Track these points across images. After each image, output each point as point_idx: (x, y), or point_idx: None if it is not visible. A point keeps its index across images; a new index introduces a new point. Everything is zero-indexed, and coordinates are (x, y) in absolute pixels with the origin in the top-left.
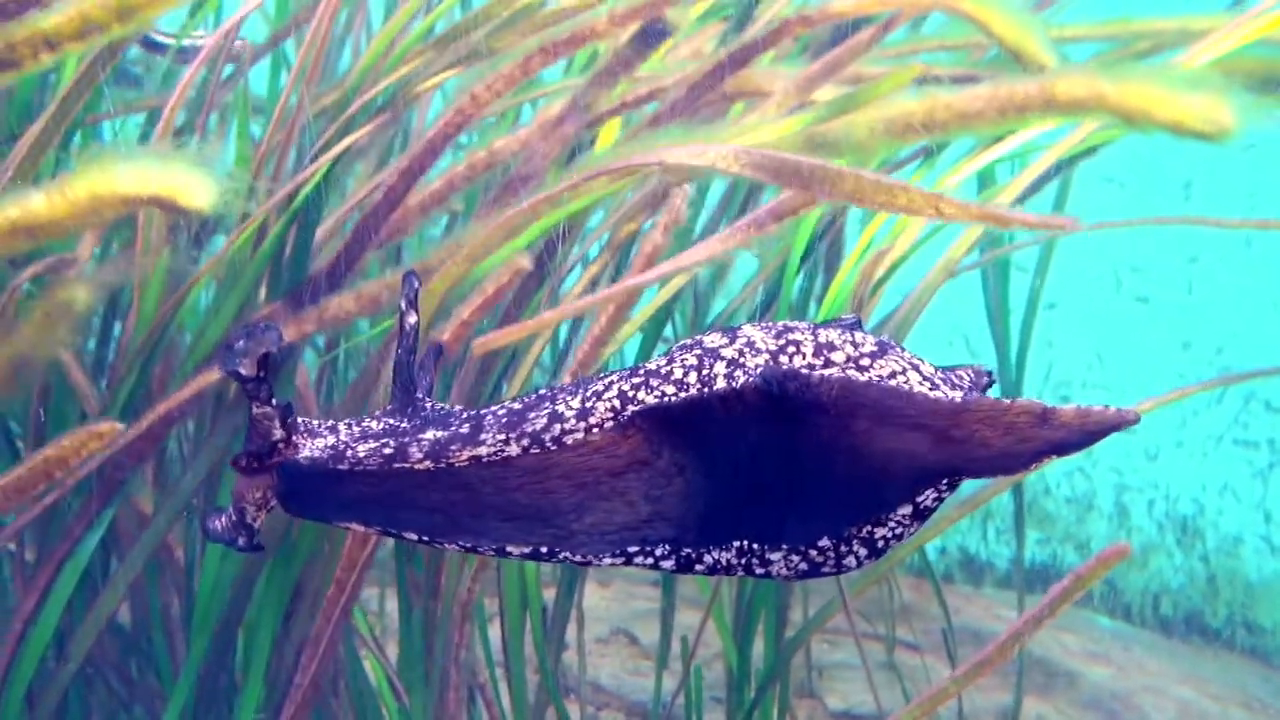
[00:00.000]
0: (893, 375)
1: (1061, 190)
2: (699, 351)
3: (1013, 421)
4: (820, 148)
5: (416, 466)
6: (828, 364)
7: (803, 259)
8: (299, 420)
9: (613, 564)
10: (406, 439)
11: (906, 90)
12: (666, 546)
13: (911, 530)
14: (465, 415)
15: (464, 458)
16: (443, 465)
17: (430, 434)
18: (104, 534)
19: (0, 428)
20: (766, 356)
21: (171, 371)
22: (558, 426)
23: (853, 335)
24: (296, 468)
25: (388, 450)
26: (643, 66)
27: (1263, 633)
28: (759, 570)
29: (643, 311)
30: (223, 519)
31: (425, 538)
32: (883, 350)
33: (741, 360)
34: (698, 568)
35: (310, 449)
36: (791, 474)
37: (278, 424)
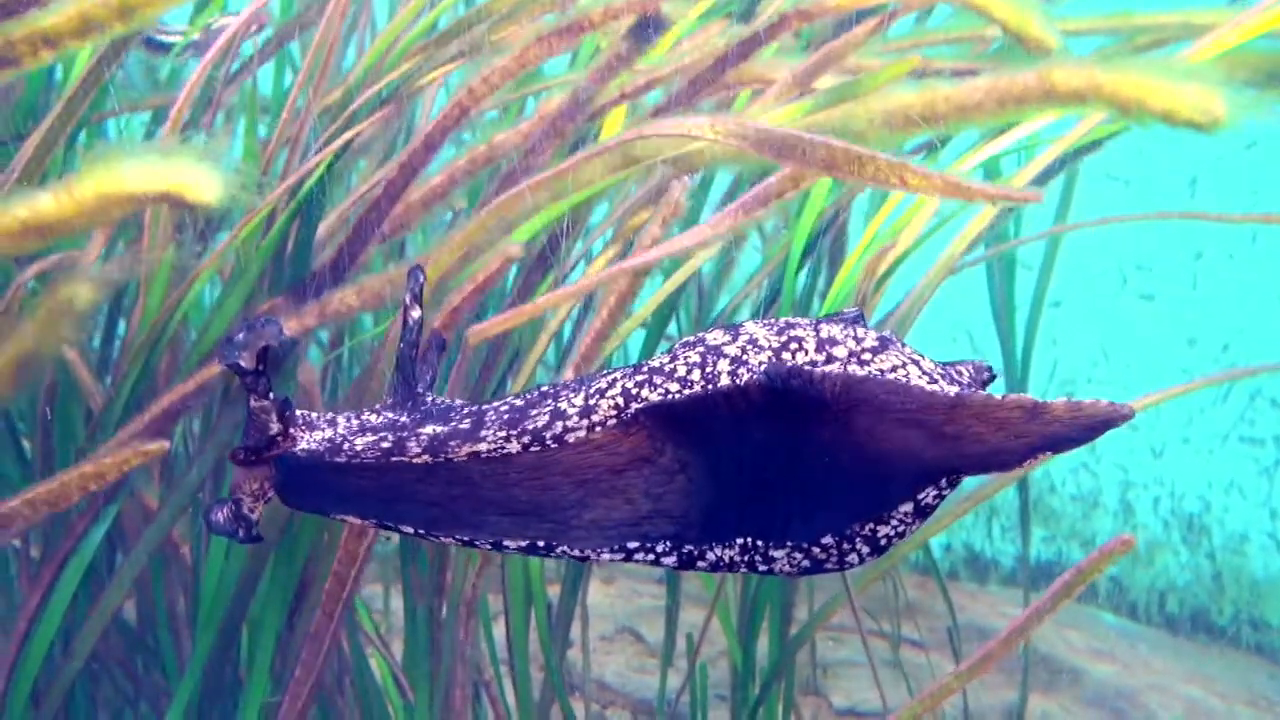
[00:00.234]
0: (893, 369)
1: (1067, 186)
2: (702, 349)
3: (1005, 417)
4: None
5: (414, 461)
6: (830, 359)
7: (805, 255)
8: (298, 413)
9: (612, 559)
10: (405, 433)
11: (906, 82)
12: (668, 543)
13: (914, 527)
14: (466, 410)
15: (463, 453)
16: (441, 460)
17: (429, 429)
18: (110, 530)
19: (6, 426)
20: (770, 353)
21: (176, 367)
22: (560, 424)
23: (855, 330)
24: (294, 460)
25: (385, 444)
26: (647, 61)
27: (1269, 630)
28: (762, 567)
29: (645, 307)
30: (224, 511)
31: (422, 531)
32: (884, 345)
33: (745, 358)
34: (700, 564)
35: (308, 441)
36: (795, 471)
37: (275, 417)
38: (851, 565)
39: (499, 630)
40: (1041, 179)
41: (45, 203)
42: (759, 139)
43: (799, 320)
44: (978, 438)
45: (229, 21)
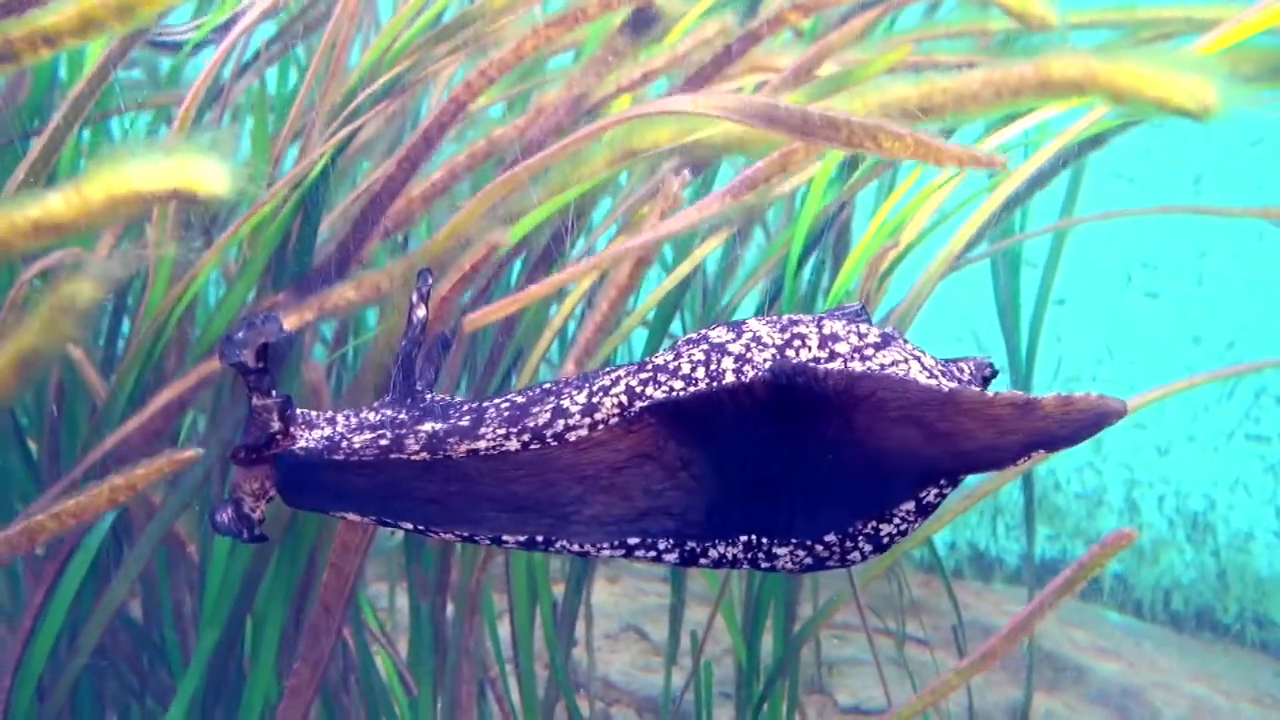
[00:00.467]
0: (894, 364)
1: (1073, 183)
2: (706, 346)
3: (997, 414)
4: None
5: (413, 458)
6: (833, 356)
7: (807, 252)
8: (298, 412)
9: (612, 555)
10: (404, 430)
11: (904, 75)
12: (670, 540)
13: (915, 525)
14: (466, 408)
15: (462, 451)
16: (440, 457)
17: (428, 426)
18: (115, 526)
19: (12, 426)
20: (773, 350)
21: (182, 362)
22: (561, 422)
23: (857, 326)
24: (293, 458)
25: (384, 442)
26: (647, 55)
27: (1274, 628)
28: (765, 564)
29: (647, 302)
30: (228, 512)
31: (422, 527)
32: (886, 342)
33: (749, 355)
34: (703, 561)
35: (307, 440)
36: (799, 468)
37: (276, 416)
38: (854, 563)
39: (504, 629)
40: (1046, 175)
41: (56, 203)
42: (739, 109)
43: (802, 317)
44: (970, 435)
45: (242, 10)
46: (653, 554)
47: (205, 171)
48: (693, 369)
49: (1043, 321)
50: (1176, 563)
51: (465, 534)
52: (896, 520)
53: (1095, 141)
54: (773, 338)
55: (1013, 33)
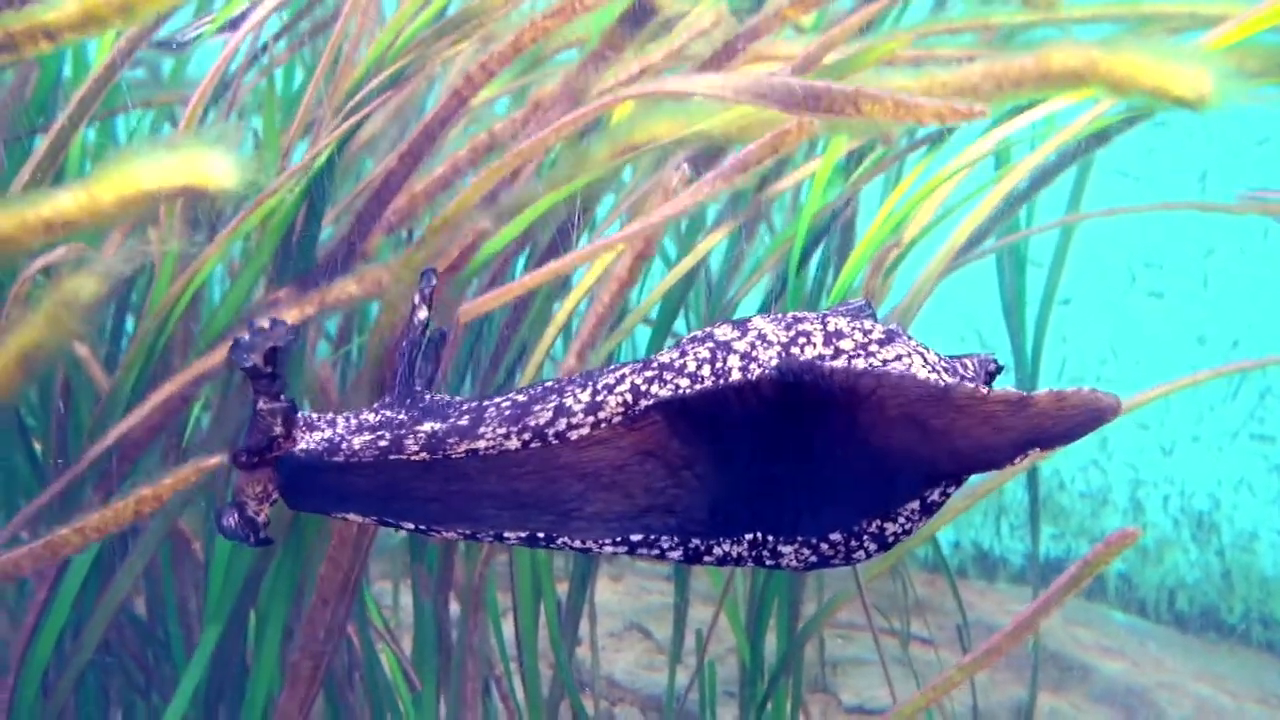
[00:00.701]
0: (897, 359)
1: (1079, 182)
2: (711, 345)
3: (991, 410)
4: (821, 130)
5: (412, 458)
6: (837, 353)
7: (809, 249)
8: (299, 415)
9: (614, 552)
10: (403, 431)
11: (905, 69)
12: (675, 538)
13: (920, 524)
14: (465, 407)
15: (461, 450)
16: (439, 457)
17: (428, 426)
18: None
19: (17, 425)
20: (779, 349)
21: (185, 358)
22: (563, 421)
23: (862, 323)
24: (294, 460)
25: (383, 443)
26: (647, 52)
27: (1279, 628)
28: (769, 562)
29: (650, 298)
30: (233, 516)
31: (423, 527)
32: (891, 338)
33: (754, 353)
34: (707, 559)
35: (307, 442)
36: (805, 466)
37: (280, 420)
38: (858, 561)
39: (508, 627)
40: (1050, 172)
41: (66, 201)
42: (727, 87)
43: (806, 314)
44: (965, 432)
45: (249, 9)
46: (656, 551)
47: (213, 165)
48: (698, 367)
49: (1048, 321)
50: (1181, 562)
51: (467, 532)
52: (901, 519)
53: (1100, 138)
54: (778, 335)
55: (1015, 27)
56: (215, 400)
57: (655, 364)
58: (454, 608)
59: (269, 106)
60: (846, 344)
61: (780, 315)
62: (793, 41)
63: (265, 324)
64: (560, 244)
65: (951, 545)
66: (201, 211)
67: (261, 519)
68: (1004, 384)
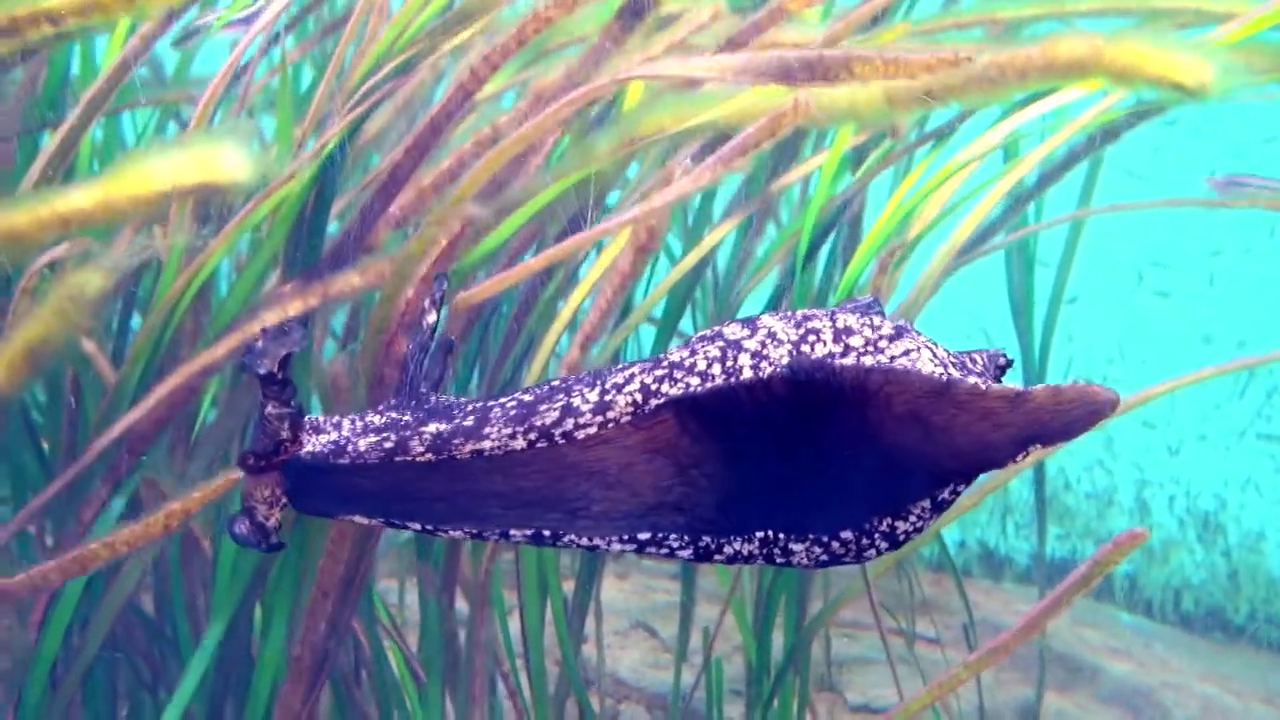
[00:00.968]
0: (905, 354)
1: (1088, 181)
2: (721, 343)
3: (990, 407)
4: (822, 117)
5: (417, 459)
6: (847, 350)
7: (816, 244)
8: (306, 419)
9: (622, 550)
10: (408, 432)
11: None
12: (685, 536)
13: (930, 522)
14: (470, 408)
15: (466, 451)
16: (444, 457)
17: (433, 427)
18: (125, 515)
19: (24, 423)
20: (789, 347)
21: (196, 343)
22: (570, 421)
23: (871, 319)
24: (300, 464)
25: (388, 444)
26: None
27: None
28: (780, 560)
29: (656, 292)
30: (244, 522)
31: (429, 527)
32: (900, 334)
33: (765, 352)
34: (718, 557)
35: (313, 445)
36: (816, 464)
37: (286, 425)
38: (869, 559)
39: (514, 625)
40: (1057, 170)
41: (81, 199)
42: (722, 67)
43: (815, 312)
44: (965, 429)
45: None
46: (666, 550)
47: (228, 160)
48: (709, 365)
49: (1056, 321)
50: (1187, 563)
51: (473, 531)
52: (913, 518)
53: (1108, 135)
54: (788, 333)
55: (1023, 21)
56: (224, 394)
57: (665, 363)
58: (460, 606)
59: (283, 98)
60: (856, 340)
61: (789, 313)
62: (799, 36)
63: (278, 330)
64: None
65: (957, 545)
66: (212, 206)
67: (272, 524)
68: (1009, 380)
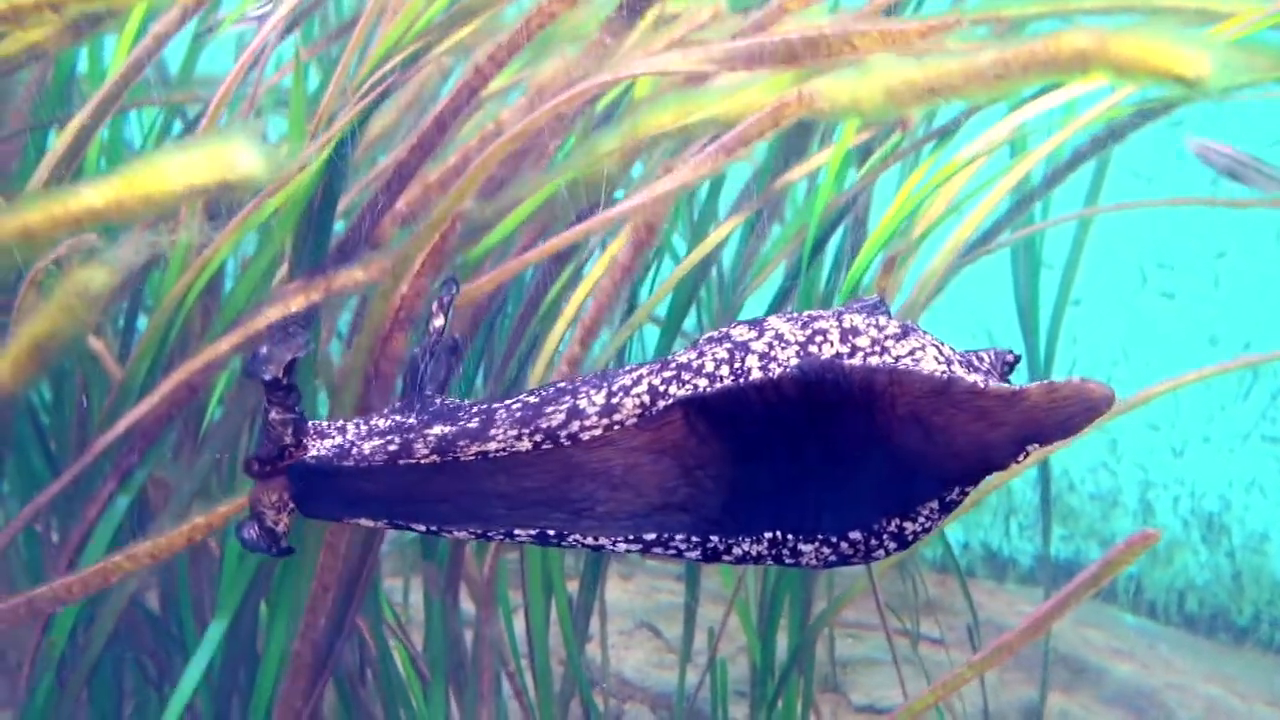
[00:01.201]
0: (910, 353)
1: (1096, 181)
2: (729, 345)
3: (986, 406)
4: (825, 109)
5: (422, 461)
6: (854, 350)
7: (820, 243)
8: (309, 423)
9: (628, 550)
10: (412, 435)
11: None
12: (692, 537)
13: (939, 522)
14: (475, 410)
15: (471, 453)
16: (449, 459)
17: (437, 429)
18: (138, 512)
19: (32, 422)
20: (796, 348)
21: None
22: (576, 423)
23: (876, 319)
24: (305, 468)
25: (392, 447)
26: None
27: None
28: (789, 561)
29: (662, 288)
30: (253, 528)
31: (434, 528)
32: (905, 333)
33: (773, 353)
34: (726, 558)
35: (318, 449)
36: (825, 465)
37: (290, 430)
38: (878, 559)
39: (519, 625)
40: (1063, 170)
41: (95, 198)
42: (727, 56)
43: (822, 312)
44: (963, 428)
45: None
46: (673, 551)
47: (241, 156)
48: (717, 367)
49: (1061, 323)
50: (1191, 564)
51: (478, 531)
52: (921, 518)
53: (1114, 135)
54: (795, 335)
55: (1027, 18)
56: (231, 391)
57: (673, 364)
58: (466, 607)
59: (297, 93)
60: (862, 341)
61: (795, 314)
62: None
63: (282, 335)
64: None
65: (961, 546)
66: (223, 204)
67: (281, 528)
68: (1015, 379)
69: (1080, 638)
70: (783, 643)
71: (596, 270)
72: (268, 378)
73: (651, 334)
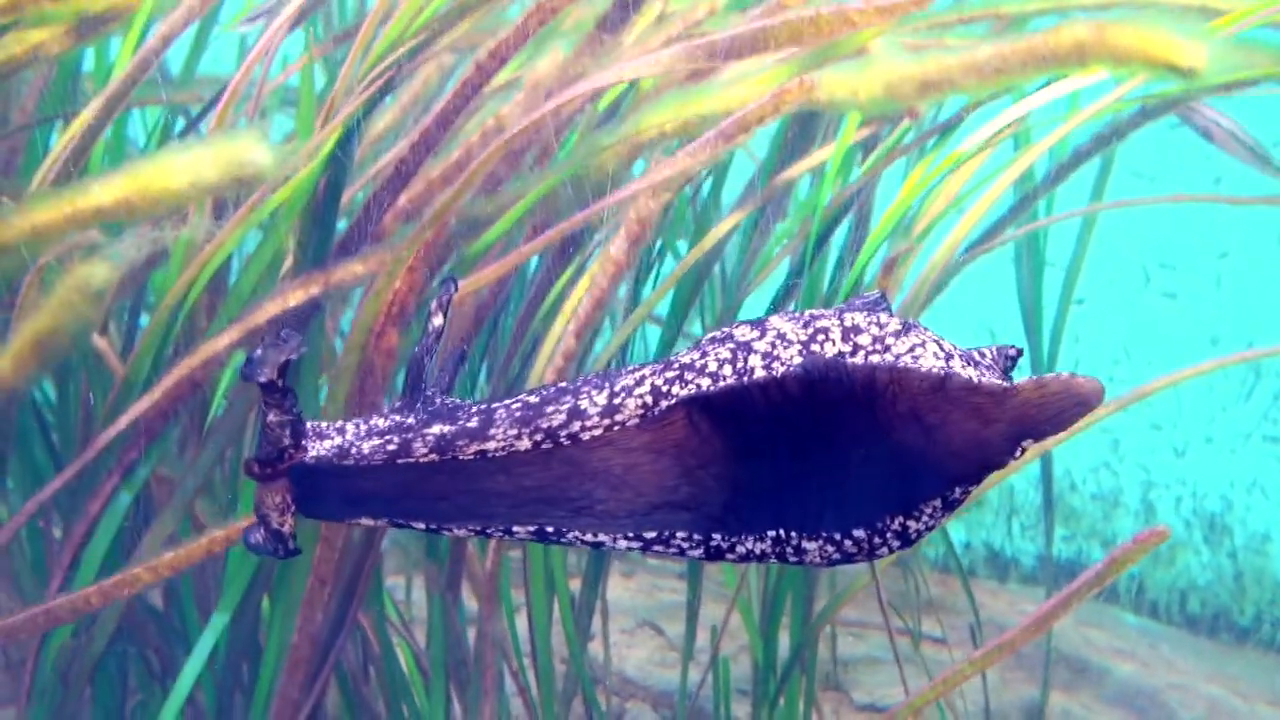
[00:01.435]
0: (910, 350)
1: (1099, 181)
2: (732, 345)
3: (979, 403)
4: (824, 100)
5: (421, 460)
6: (856, 348)
7: (821, 241)
8: (308, 424)
9: (629, 548)
10: (411, 434)
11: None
12: (695, 535)
13: (942, 520)
14: (475, 409)
15: (470, 452)
16: (448, 458)
17: (436, 429)
18: (141, 508)
19: (36, 419)
20: (799, 347)
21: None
22: (577, 423)
23: (877, 316)
24: (305, 469)
25: (391, 446)
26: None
27: None
28: (792, 559)
29: (662, 287)
30: (259, 531)
31: (434, 526)
32: (906, 329)
33: (775, 352)
34: (729, 556)
35: (317, 450)
36: (828, 463)
37: (289, 432)
38: (881, 557)
39: (521, 624)
40: (1065, 169)
41: (104, 196)
42: (713, 49)
43: (823, 311)
44: (958, 426)
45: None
46: (675, 549)
47: (252, 153)
48: (720, 366)
49: (1065, 324)
50: (1193, 564)
51: (477, 529)
52: (925, 517)
53: (1116, 133)
54: (797, 333)
55: (1027, 14)
56: (235, 386)
57: (676, 364)
58: (468, 603)
59: (305, 91)
60: (864, 339)
61: (797, 314)
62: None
63: (277, 337)
64: (578, 238)
65: (963, 545)
66: (230, 201)
67: (286, 530)
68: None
69: (1082, 637)
70: (785, 641)
71: (594, 267)
72: (262, 380)
73: (654, 334)
